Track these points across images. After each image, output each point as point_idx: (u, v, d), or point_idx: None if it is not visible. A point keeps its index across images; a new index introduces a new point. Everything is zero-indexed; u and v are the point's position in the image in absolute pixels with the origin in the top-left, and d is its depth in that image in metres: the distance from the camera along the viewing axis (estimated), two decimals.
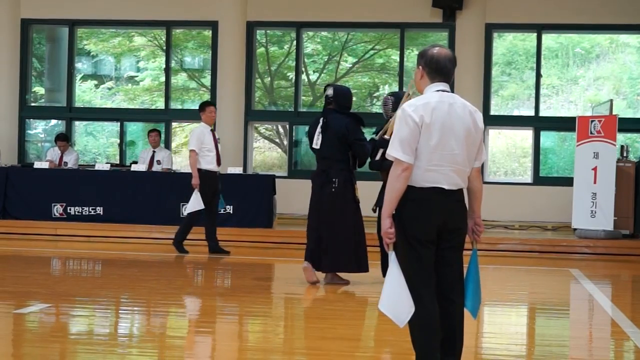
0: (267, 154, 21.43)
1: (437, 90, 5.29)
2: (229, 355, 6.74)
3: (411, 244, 5.20)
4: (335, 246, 10.09)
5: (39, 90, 20.67)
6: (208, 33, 19.28)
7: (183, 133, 21.14)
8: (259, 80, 19.80)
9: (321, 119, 10.33)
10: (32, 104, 19.95)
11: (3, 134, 18.91)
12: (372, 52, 19.87)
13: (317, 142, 10.31)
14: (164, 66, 19.60)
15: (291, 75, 19.37)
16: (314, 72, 20.16)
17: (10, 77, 19.24)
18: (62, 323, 7.96)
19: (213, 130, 13.37)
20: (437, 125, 5.17)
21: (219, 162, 13.26)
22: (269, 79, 20.22)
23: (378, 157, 10.03)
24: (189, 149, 13.11)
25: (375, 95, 20.23)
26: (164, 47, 19.51)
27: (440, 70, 5.32)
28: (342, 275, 10.38)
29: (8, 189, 16.11)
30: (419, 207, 5.21)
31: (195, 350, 6.82)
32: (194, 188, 12.94)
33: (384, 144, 9.53)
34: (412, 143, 5.16)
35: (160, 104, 19.78)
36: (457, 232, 5.33)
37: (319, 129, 10.29)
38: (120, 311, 8.60)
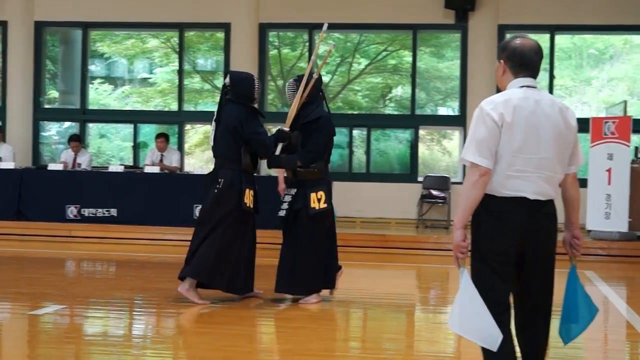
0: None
1: (522, 86, 4.68)
2: (243, 357, 6.74)
3: (486, 261, 4.59)
4: (197, 253, 8.75)
5: (53, 92, 20.72)
6: (221, 35, 19.30)
7: (196, 135, 21.16)
8: (271, 82, 19.82)
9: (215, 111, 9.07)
10: (46, 106, 20.00)
11: (17, 136, 18.96)
12: (384, 53, 19.85)
13: (211, 138, 9.03)
14: (177, 68, 19.63)
15: None
16: (326, 73, 20.15)
17: (24, 80, 19.29)
18: (76, 324, 7.97)
19: None
20: (520, 125, 4.56)
21: None
22: (282, 80, 20.22)
23: (278, 151, 9.01)
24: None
25: (388, 97, 20.21)
26: (177, 49, 19.54)
27: (525, 63, 4.71)
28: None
29: (22, 190, 16.15)
30: (498, 219, 4.59)
31: (208, 352, 6.82)
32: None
33: (282, 136, 8.97)
34: (491, 145, 4.55)
35: (174, 106, 19.80)
36: (544, 252, 4.64)
37: (213, 124, 8.96)
38: (134, 312, 8.61)
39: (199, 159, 21.14)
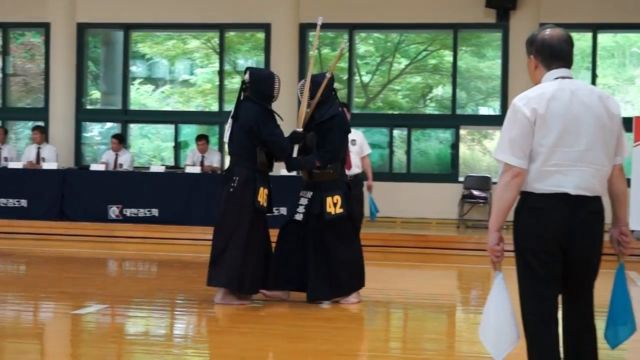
0: None
1: (556, 78, 4.47)
2: (283, 357, 6.75)
3: (526, 259, 4.40)
4: (222, 257, 8.64)
5: (95, 93, 20.88)
6: (261, 35, 19.34)
7: None
8: None
9: (233, 108, 8.93)
10: (88, 107, 20.15)
11: (60, 136, 19.12)
12: (425, 53, 19.80)
13: (226, 135, 8.88)
14: (217, 69, 19.69)
15: (344, 77, 19.35)
16: (366, 73, 20.15)
17: (67, 81, 19.45)
18: (118, 324, 8.03)
19: None
20: (555, 118, 4.32)
21: None
22: None
23: (295, 153, 8.91)
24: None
25: (428, 97, 20.16)
26: (218, 50, 19.60)
27: (556, 54, 4.50)
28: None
29: (65, 191, 16.27)
30: (537, 217, 4.36)
31: (248, 352, 6.84)
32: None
33: (297, 138, 8.85)
34: (524, 143, 4.32)
35: (214, 107, 19.87)
36: (588, 254, 4.41)
37: (230, 121, 8.83)
38: (175, 312, 8.65)
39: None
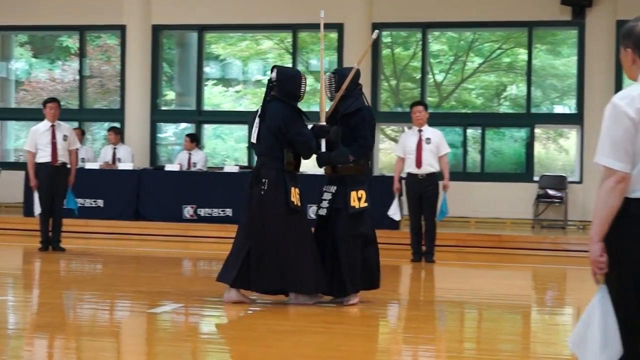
0: (393, 155, 21.37)
1: None
2: (359, 357, 6.74)
3: (623, 275, 3.97)
4: (261, 260, 8.38)
5: (170, 94, 21.08)
6: (334, 35, 19.34)
7: None
8: (384, 81, 19.79)
9: (260, 107, 8.70)
10: (163, 108, 20.35)
11: (135, 137, 19.33)
12: (499, 51, 19.64)
13: (254, 136, 8.61)
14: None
15: (417, 76, 19.28)
16: (440, 72, 20.05)
17: (142, 82, 19.66)
18: (193, 323, 8.09)
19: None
20: None
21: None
22: (395, 80, 20.18)
23: (323, 148, 8.66)
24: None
25: (502, 95, 19.99)
26: (291, 50, 19.65)
27: None
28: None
29: (141, 191, 16.46)
30: (636, 225, 3.96)
31: (323, 352, 6.83)
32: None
33: (322, 132, 8.60)
34: (629, 146, 3.94)
35: None
36: None
37: (256, 120, 8.61)
38: (249, 311, 8.68)
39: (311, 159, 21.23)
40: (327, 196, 8.79)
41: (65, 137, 13.15)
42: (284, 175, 8.46)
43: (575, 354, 4.12)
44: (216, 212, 16.12)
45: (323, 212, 8.74)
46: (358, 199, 8.61)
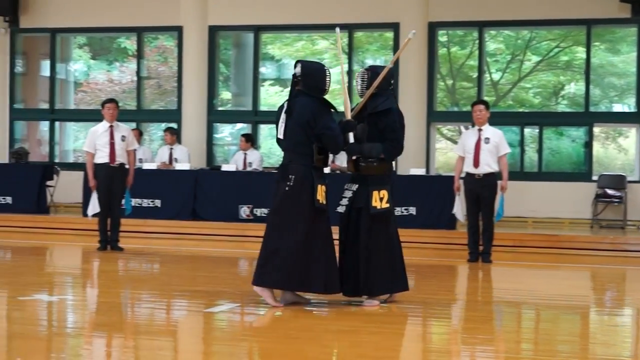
0: (450, 155, 21.31)
1: None
2: (414, 357, 6.71)
3: None
4: (280, 257, 8.25)
5: (226, 94, 21.18)
6: (390, 35, 19.30)
7: None
8: (440, 81, 19.70)
9: (285, 102, 8.53)
10: (219, 109, 20.45)
11: (193, 138, 19.45)
12: (556, 49, 19.46)
13: (280, 131, 8.44)
14: (346, 69, 19.72)
15: (473, 75, 19.17)
16: (496, 71, 19.91)
17: (199, 83, 19.78)
18: (250, 322, 8.11)
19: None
20: None
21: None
22: (451, 80, 20.09)
23: (351, 139, 8.51)
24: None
25: (560, 94, 19.81)
26: (347, 50, 19.64)
27: None
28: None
29: (197, 191, 16.56)
30: None
31: (379, 352, 6.82)
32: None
33: (349, 126, 8.48)
34: None
35: (342, 107, 19.88)
36: None
37: (283, 115, 8.45)
38: (304, 311, 8.68)
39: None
40: (347, 194, 8.69)
41: (123, 138, 13.26)
42: (311, 172, 8.32)
43: None
44: None
45: (342, 209, 8.65)
46: (380, 199, 8.50)
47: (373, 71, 8.72)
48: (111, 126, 13.22)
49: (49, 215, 17.72)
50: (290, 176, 8.27)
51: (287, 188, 8.26)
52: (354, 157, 8.61)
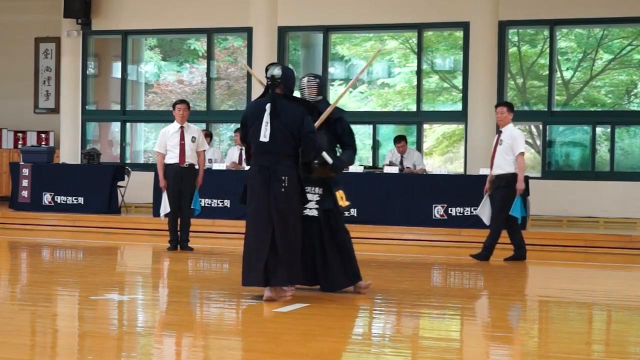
0: None
1: None
2: (479, 357, 6.68)
3: None
4: (293, 254, 8.65)
5: (295, 94, 21.20)
6: (459, 34, 19.19)
7: (434, 135, 21.14)
8: (510, 80, 19.54)
9: (268, 105, 8.60)
10: None
11: None
12: (629, 47, 19.18)
13: (265, 134, 8.52)
14: (415, 69, 19.65)
15: (544, 73, 18.98)
16: (567, 69, 19.70)
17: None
18: (318, 322, 8.12)
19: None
20: None
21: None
22: (521, 79, 19.91)
23: (325, 153, 9.02)
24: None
25: (633, 92, 19.52)
26: (416, 50, 19.58)
27: None
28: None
29: None
30: None
31: (447, 353, 6.79)
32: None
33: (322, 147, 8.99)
34: None
35: (412, 107, 19.86)
36: None
37: (267, 118, 8.53)
38: (374, 311, 8.68)
39: (437, 159, 21.12)
40: (314, 197, 9.09)
41: (193, 139, 13.37)
42: (299, 174, 8.62)
43: None
44: None
45: (314, 212, 9.07)
46: (342, 198, 9.17)
47: (321, 79, 9.25)
48: (182, 127, 13.33)
49: (120, 215, 17.92)
50: (283, 177, 8.50)
51: (282, 190, 8.49)
52: (304, 160, 8.80)
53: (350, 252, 9.16)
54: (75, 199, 17.91)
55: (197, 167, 13.42)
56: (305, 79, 9.25)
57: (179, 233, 13.43)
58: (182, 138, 13.28)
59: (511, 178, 12.51)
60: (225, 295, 9.25)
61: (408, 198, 15.83)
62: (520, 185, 12.50)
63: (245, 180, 8.94)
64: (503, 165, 12.62)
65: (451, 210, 15.57)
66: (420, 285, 10.48)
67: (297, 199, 8.61)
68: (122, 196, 18.54)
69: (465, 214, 15.22)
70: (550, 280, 11.57)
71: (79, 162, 19.38)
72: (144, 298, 9.45)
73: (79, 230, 16.67)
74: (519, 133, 12.88)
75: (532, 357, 6.64)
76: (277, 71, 8.67)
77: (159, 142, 13.44)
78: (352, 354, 6.64)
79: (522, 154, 12.62)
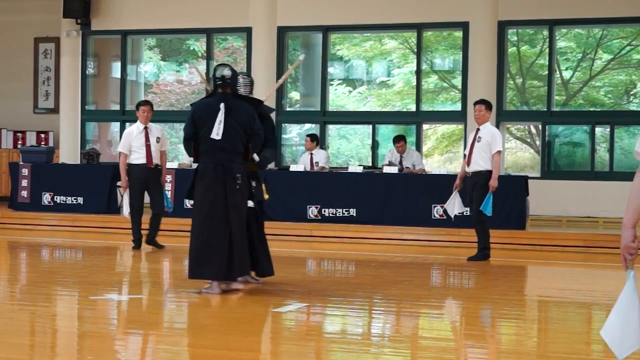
0: (519, 154, 21.16)
1: None
2: (480, 357, 6.68)
3: None
4: (245, 248, 9.18)
5: (294, 95, 21.24)
6: (459, 34, 19.19)
7: (434, 135, 21.13)
8: (510, 80, 19.54)
9: (222, 104, 8.98)
10: (288, 109, 20.51)
11: None
12: (628, 47, 19.19)
13: (218, 132, 8.89)
14: (414, 69, 19.65)
15: (543, 73, 18.98)
16: (567, 69, 19.70)
17: (268, 83, 19.82)
18: (317, 322, 8.13)
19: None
20: None
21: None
22: (521, 79, 19.92)
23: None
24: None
25: (632, 92, 19.53)
26: (415, 50, 19.58)
27: None
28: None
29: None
30: None
31: (446, 354, 6.79)
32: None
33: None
34: None
35: (412, 107, 19.86)
36: None
37: (220, 117, 8.93)
38: (373, 311, 8.69)
39: (436, 159, 21.11)
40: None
41: (158, 139, 13.53)
42: (246, 170, 9.13)
43: (605, 341, 4.34)
44: (340, 212, 16.17)
45: (250, 203, 9.48)
46: (265, 191, 9.76)
47: (251, 77, 9.69)
48: (145, 128, 13.43)
49: (119, 215, 17.90)
50: (237, 175, 8.95)
51: (237, 186, 8.93)
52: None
53: (265, 243, 9.78)
54: (74, 199, 17.90)
55: (160, 167, 13.56)
56: (241, 78, 9.57)
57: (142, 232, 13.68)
58: (147, 139, 13.40)
59: (489, 176, 12.58)
60: (223, 295, 9.25)
61: (407, 198, 15.84)
62: (493, 182, 12.54)
63: (195, 176, 9.15)
64: (481, 162, 12.68)
65: None
66: (420, 285, 10.49)
67: (247, 194, 9.17)
68: (122, 196, 18.50)
69: (464, 214, 15.21)
70: (550, 280, 11.58)
71: (79, 162, 19.37)
72: (144, 298, 9.45)
73: (78, 230, 16.67)
74: (498, 132, 12.98)
75: (531, 357, 6.65)
76: (227, 72, 9.13)
77: (124, 143, 13.57)
78: (352, 354, 6.65)
79: (499, 152, 12.69)
